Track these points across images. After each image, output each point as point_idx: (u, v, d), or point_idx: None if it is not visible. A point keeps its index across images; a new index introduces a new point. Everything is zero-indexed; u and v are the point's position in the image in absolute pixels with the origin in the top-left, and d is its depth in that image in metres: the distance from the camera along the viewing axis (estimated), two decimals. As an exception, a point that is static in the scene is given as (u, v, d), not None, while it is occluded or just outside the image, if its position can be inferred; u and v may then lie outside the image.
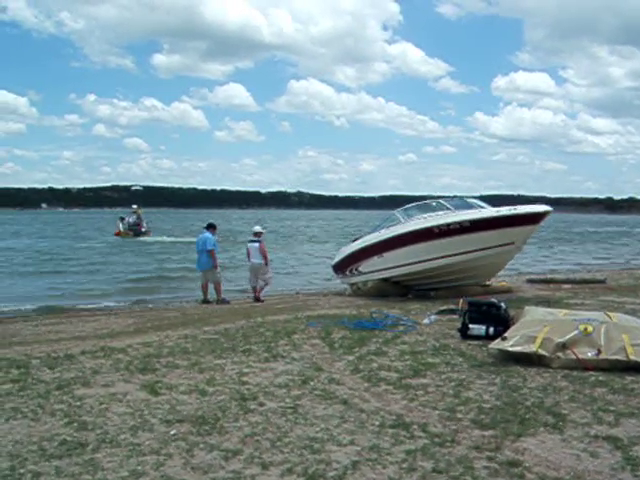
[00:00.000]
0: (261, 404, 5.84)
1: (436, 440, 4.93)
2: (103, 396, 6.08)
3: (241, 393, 6.17)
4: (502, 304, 8.98)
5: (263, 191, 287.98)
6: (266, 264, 15.75)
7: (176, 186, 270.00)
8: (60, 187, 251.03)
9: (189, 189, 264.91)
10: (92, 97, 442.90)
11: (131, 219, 56.72)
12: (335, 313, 11.27)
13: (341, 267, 17.03)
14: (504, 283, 15.86)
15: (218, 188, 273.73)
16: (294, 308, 12.94)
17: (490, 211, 13.21)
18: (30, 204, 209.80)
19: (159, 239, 51.16)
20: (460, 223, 13.07)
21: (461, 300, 11.15)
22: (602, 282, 17.11)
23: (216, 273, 15.71)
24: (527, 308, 8.61)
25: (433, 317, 10.18)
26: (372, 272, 15.23)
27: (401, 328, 9.49)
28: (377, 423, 5.34)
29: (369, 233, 16.32)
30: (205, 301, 15.73)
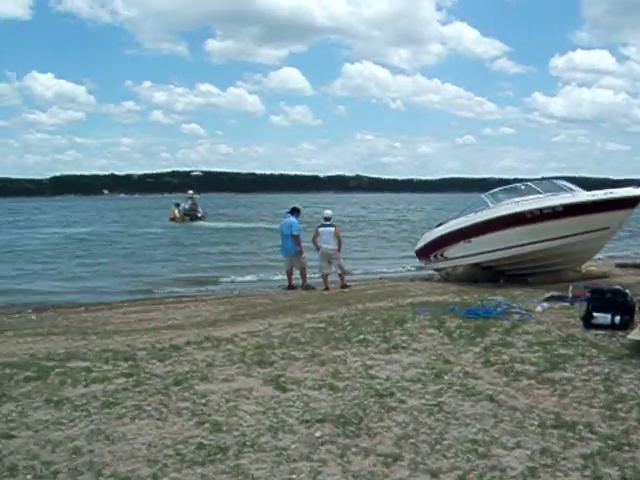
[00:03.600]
0: (401, 401, 5.39)
1: (610, 443, 4.42)
2: (227, 392, 5.72)
3: (374, 388, 5.75)
4: (627, 291, 8.33)
5: (321, 175, 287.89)
6: (339, 250, 15.21)
7: (235, 171, 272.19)
8: (121, 174, 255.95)
9: (248, 174, 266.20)
10: (148, 84, 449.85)
11: (187, 204, 57.19)
12: (437, 300, 10.76)
13: (425, 253, 16.53)
14: (594, 268, 15.02)
15: (276, 173, 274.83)
16: (388, 294, 12.47)
17: (585, 195, 12.47)
18: (92, 190, 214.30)
19: (214, 225, 51.19)
20: (554, 207, 12.39)
21: (571, 286, 10.56)
22: None
23: (301, 258, 15.31)
24: None
25: (545, 304, 9.56)
26: (460, 257, 14.69)
27: (516, 316, 8.91)
28: (536, 423, 4.85)
29: (454, 218, 15.70)
30: (290, 287, 15.37)
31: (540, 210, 12.41)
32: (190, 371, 6.44)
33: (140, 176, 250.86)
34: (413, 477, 3.99)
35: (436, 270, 16.24)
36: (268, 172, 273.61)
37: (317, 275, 15.78)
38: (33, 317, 11.81)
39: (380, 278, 18.23)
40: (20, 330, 10.03)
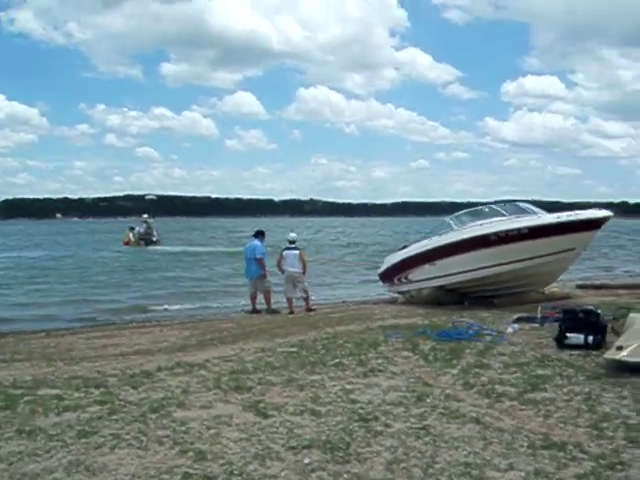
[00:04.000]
0: (386, 425, 5.31)
1: (602, 462, 4.42)
2: (207, 419, 5.55)
3: (357, 413, 5.65)
4: (599, 311, 8.43)
5: (276, 199, 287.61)
6: (304, 273, 15.12)
7: (189, 195, 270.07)
8: (74, 197, 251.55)
9: (202, 198, 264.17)
10: (102, 107, 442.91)
11: (142, 228, 56.43)
12: (406, 323, 10.72)
13: (389, 275, 16.54)
14: (556, 290, 15.20)
15: (231, 197, 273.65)
16: (355, 317, 12.40)
17: (550, 217, 12.65)
18: (45, 214, 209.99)
19: (169, 249, 50.47)
20: (519, 230, 12.53)
21: (539, 307, 10.66)
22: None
23: (265, 282, 15.20)
24: (632, 316, 8.04)
25: (516, 326, 9.61)
26: (424, 280, 14.72)
27: (488, 338, 8.93)
28: (525, 444, 4.82)
29: (418, 241, 15.77)
30: (254, 311, 15.20)
31: (505, 232, 12.52)
32: (166, 398, 6.24)
33: (93, 199, 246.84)
34: (411, 502, 3.89)
35: (400, 293, 16.23)
36: (223, 196, 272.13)
37: (283, 299, 15.62)
38: (-9, 345, 11.37)
39: (343, 302, 18.15)
40: (-21, 358, 9.64)
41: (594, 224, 12.10)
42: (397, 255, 16.13)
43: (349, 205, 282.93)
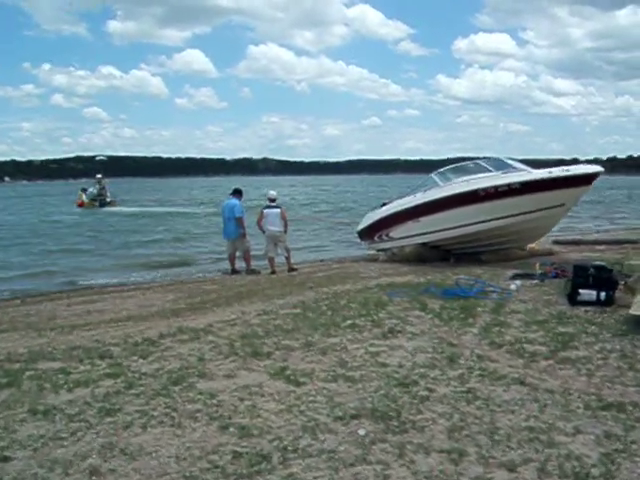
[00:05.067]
0: (429, 389, 5.04)
1: (671, 423, 4.22)
2: (236, 390, 5.19)
3: (393, 377, 5.37)
4: (611, 267, 8.29)
5: (229, 158, 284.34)
6: (285, 232, 14.75)
7: (140, 155, 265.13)
8: (23, 159, 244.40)
9: (154, 158, 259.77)
10: (47, 66, 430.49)
11: (95, 189, 55.00)
12: (402, 281, 10.43)
13: (369, 233, 16.21)
14: (534, 246, 15.09)
15: (183, 156, 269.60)
16: (343, 277, 12.09)
17: (541, 172, 12.42)
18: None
19: (126, 210, 49.44)
20: (509, 185, 12.30)
21: (538, 264, 10.51)
22: (635, 242, 16.56)
23: (245, 242, 14.75)
24: None
25: (518, 282, 9.43)
26: (407, 237, 14.44)
27: (494, 295, 8.73)
28: (581, 405, 4.64)
29: (400, 197, 15.47)
30: (234, 271, 14.81)
31: (495, 188, 12.29)
32: (182, 367, 5.85)
33: (43, 162, 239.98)
34: (490, 473, 3.64)
35: (380, 250, 15.98)
36: (174, 156, 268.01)
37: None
38: (-35, 314, 10.73)
39: (321, 260, 17.89)
40: (-44, 328, 9.05)
41: (586, 180, 11.93)
42: (378, 212, 15.81)
43: (302, 163, 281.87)
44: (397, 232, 14.75)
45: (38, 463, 3.95)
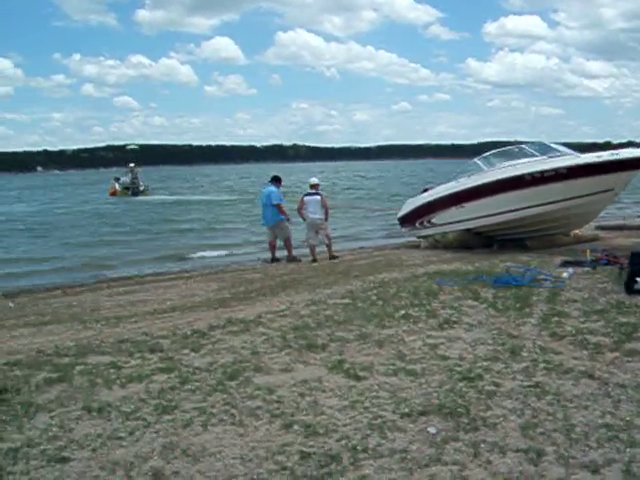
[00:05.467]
0: (495, 384, 4.88)
1: None
2: (295, 385, 5.07)
3: (456, 371, 5.22)
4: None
5: (259, 145, 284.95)
6: (326, 219, 14.56)
7: (171, 143, 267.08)
8: (54, 149, 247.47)
9: (184, 146, 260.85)
10: (77, 56, 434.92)
11: (127, 178, 55.38)
12: (450, 269, 10.25)
13: (410, 219, 16.00)
14: (577, 232, 14.72)
15: (213, 144, 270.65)
16: (387, 264, 11.97)
17: (590, 156, 12.07)
18: (25, 167, 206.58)
19: (159, 198, 49.71)
20: (556, 170, 11.98)
21: (588, 250, 10.25)
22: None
23: (285, 229, 14.59)
24: None
25: (571, 270, 9.18)
26: (450, 223, 14.24)
27: (547, 283, 8.50)
28: (657, 402, 4.41)
29: (443, 183, 15.22)
30: (274, 259, 14.71)
31: (541, 172, 11.99)
32: (236, 361, 5.75)
33: (74, 151, 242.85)
34: (573, 475, 3.48)
35: (421, 237, 15.79)
36: (205, 143, 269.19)
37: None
38: (10, 304, 10.79)
39: (361, 247, 17.75)
40: (3, 320, 9.08)
41: (636, 164, 11.57)
42: (420, 198, 15.59)
43: (332, 149, 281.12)
44: (440, 218, 14.54)
45: (98, 465, 3.84)
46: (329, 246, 14.51)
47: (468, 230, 13.93)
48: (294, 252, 14.76)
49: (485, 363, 5.38)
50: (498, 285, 8.39)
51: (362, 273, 10.67)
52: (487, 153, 14.16)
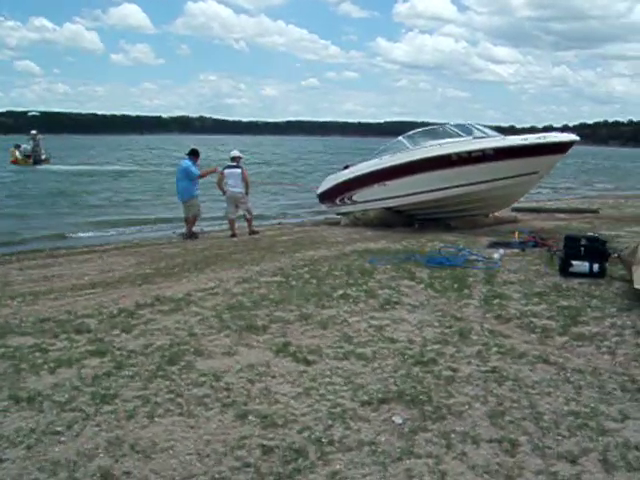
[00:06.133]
0: (452, 369, 4.71)
1: None
2: (241, 370, 4.73)
3: (408, 355, 5.02)
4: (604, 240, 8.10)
5: (165, 115, 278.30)
6: (247, 193, 14.15)
7: (74, 111, 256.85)
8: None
9: (88, 114, 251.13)
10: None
11: (29, 146, 52.64)
12: (378, 248, 10.09)
13: (330, 196, 15.79)
14: (497, 213, 14.91)
15: (118, 113, 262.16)
16: (312, 242, 11.67)
17: (517, 139, 12.15)
18: None
19: (63, 168, 47.52)
20: (483, 150, 12.01)
21: (516, 232, 10.33)
22: (595, 212, 16.64)
23: (196, 205, 14.00)
24: None
25: (502, 251, 9.19)
26: (372, 201, 14.10)
27: (480, 264, 8.47)
28: (617, 387, 4.39)
29: (364, 161, 15.06)
30: (191, 234, 14.11)
31: (468, 153, 11.99)
32: (174, 344, 5.35)
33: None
34: (552, 466, 3.34)
35: (341, 214, 15.63)
36: (109, 113, 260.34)
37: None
38: None
39: (279, 223, 17.43)
40: None
41: (561, 148, 11.72)
42: (341, 175, 15.38)
43: (240, 123, 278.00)
44: (361, 196, 14.39)
45: (36, 465, 3.40)
46: (249, 220, 14.12)
47: (389, 208, 13.82)
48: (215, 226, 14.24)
49: (436, 346, 5.22)
50: (431, 265, 8.28)
51: (287, 250, 10.38)
52: (412, 132, 14.08)
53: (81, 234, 16.38)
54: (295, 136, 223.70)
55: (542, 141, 11.53)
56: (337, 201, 15.44)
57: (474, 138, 12.53)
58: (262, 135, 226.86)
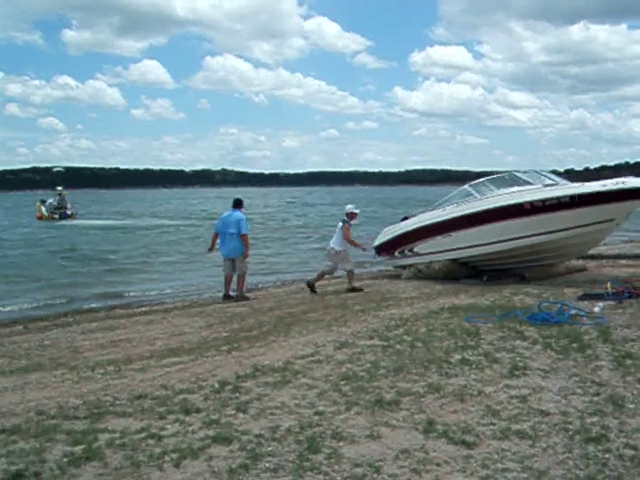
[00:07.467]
0: (632, 447, 4.18)
1: None
2: (398, 458, 4.16)
3: (569, 429, 4.51)
4: None
5: (187, 169, 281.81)
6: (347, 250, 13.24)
7: (98, 166, 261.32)
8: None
9: (111, 169, 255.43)
10: (0, 75, 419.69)
11: (55, 201, 53.18)
12: (467, 304, 9.63)
13: (388, 248, 15.34)
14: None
15: (141, 167, 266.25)
16: (385, 298, 11.21)
17: (594, 185, 11.65)
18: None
19: (88, 223, 47.72)
20: (559, 198, 11.57)
21: (609, 283, 9.82)
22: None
23: (245, 263, 12.87)
24: None
25: (601, 304, 8.69)
26: (435, 253, 13.67)
27: (586, 320, 7.96)
28: None
29: (425, 212, 14.67)
30: (227, 296, 12.89)
31: (542, 201, 11.56)
32: (304, 426, 4.72)
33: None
34: None
35: (399, 267, 15.20)
36: (132, 167, 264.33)
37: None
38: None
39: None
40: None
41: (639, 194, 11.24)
42: (400, 226, 14.98)
43: (261, 175, 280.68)
44: (423, 247, 13.98)
45: None
46: (350, 276, 13.29)
47: (454, 260, 13.37)
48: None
49: (594, 419, 4.69)
50: (534, 322, 7.78)
51: (364, 307, 9.95)
52: (478, 180, 13.69)
53: (132, 292, 15.94)
54: (316, 187, 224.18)
55: (621, 187, 11.06)
56: (396, 253, 15.03)
57: (544, 185, 12.10)
58: (284, 187, 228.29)
